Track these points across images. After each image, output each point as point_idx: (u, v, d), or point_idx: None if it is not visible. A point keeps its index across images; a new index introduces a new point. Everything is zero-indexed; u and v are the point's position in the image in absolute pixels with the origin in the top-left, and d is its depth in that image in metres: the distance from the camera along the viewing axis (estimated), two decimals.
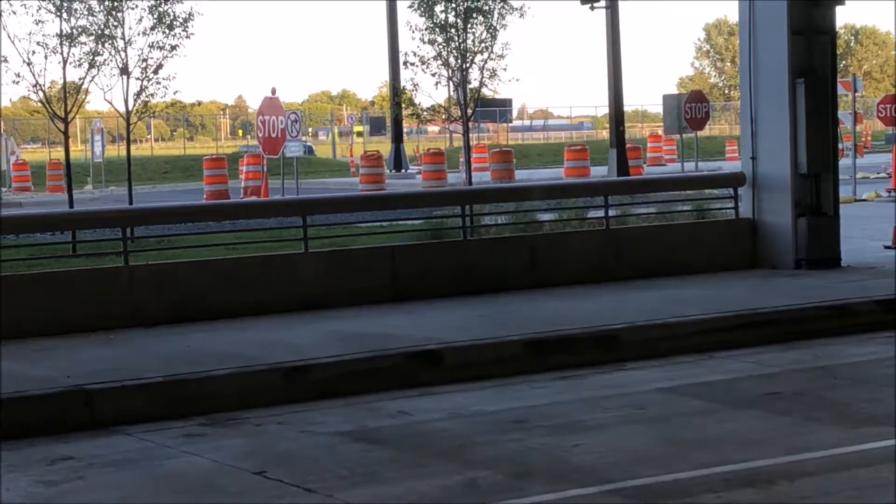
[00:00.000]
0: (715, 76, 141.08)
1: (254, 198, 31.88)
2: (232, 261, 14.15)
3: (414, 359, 11.12)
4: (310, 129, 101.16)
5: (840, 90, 26.56)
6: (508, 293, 14.49)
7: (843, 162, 22.31)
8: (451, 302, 13.98)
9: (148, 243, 15.94)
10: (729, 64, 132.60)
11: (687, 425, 9.27)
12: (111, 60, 19.19)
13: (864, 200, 27.62)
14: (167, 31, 19.29)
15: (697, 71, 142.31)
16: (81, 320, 12.67)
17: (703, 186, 18.59)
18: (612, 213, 16.37)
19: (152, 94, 19.59)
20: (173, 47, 19.38)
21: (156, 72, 19.37)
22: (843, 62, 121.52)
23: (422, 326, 12.39)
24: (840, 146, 18.48)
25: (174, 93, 19.98)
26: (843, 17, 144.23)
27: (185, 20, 19.42)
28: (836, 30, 16.58)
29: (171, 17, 19.31)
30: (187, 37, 19.46)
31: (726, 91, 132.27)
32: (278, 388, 10.44)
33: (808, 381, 10.76)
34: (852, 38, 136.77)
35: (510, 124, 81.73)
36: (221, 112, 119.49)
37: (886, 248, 17.97)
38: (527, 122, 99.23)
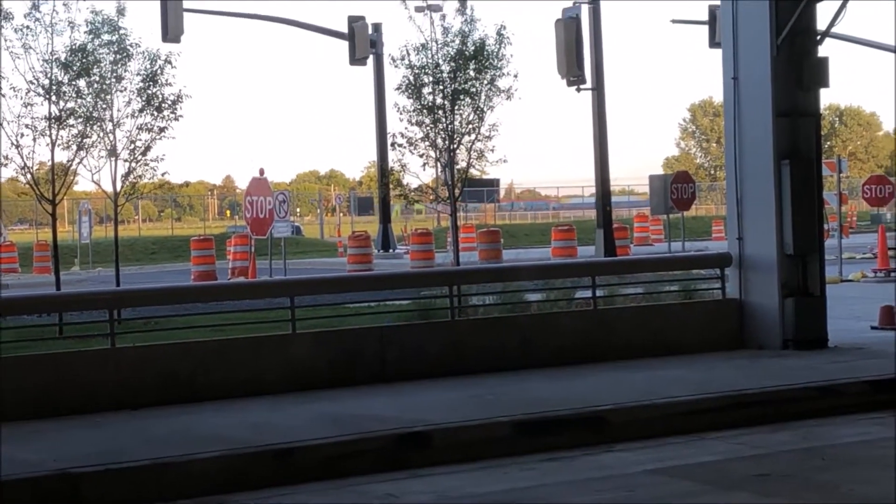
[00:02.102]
0: (701, 156, 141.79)
1: (241, 279, 31.86)
2: (219, 342, 14.12)
3: (402, 441, 11.08)
4: (298, 210, 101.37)
5: (825, 171, 26.75)
6: (497, 373, 14.47)
7: (829, 242, 22.39)
8: (440, 382, 13.96)
9: (135, 325, 15.90)
10: (714, 144, 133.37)
11: None
12: (100, 142, 19.28)
13: (851, 281, 27.69)
14: (155, 113, 19.41)
15: (683, 151, 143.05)
16: (68, 403, 12.62)
17: (690, 267, 18.64)
18: (599, 293, 16.39)
19: (140, 176, 19.66)
20: (162, 129, 19.49)
21: (144, 153, 19.46)
22: (828, 143, 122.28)
23: (410, 408, 12.36)
24: (826, 227, 18.58)
25: (162, 174, 20.06)
26: (828, 97, 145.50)
27: (174, 102, 19.54)
28: (821, 111, 16.72)
29: (160, 100, 19.43)
30: (176, 119, 19.58)
31: (712, 171, 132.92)
32: (266, 471, 10.39)
33: (796, 463, 10.74)
34: (837, 118, 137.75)
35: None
36: (209, 192, 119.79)
37: (873, 328, 18.02)
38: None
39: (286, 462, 10.52)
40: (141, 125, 19.42)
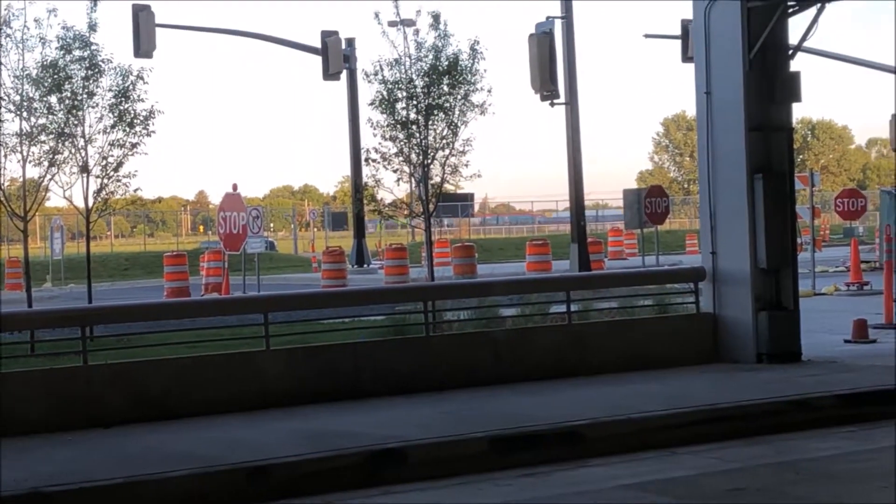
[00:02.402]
0: (674, 170, 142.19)
1: (215, 295, 31.76)
2: (192, 359, 14.07)
3: (377, 457, 11.05)
4: (272, 225, 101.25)
5: (798, 185, 26.84)
6: (472, 389, 14.45)
7: (802, 256, 22.48)
8: (414, 398, 13.93)
9: (107, 342, 15.81)
10: (688, 158, 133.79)
11: None
12: (71, 159, 19.20)
13: (824, 294, 27.79)
14: (128, 129, 19.34)
15: (657, 165, 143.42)
16: (39, 421, 12.53)
17: (664, 281, 18.65)
18: (574, 307, 16.40)
19: (112, 192, 19.57)
20: (134, 145, 19.43)
21: (116, 169, 19.38)
22: (801, 156, 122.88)
23: (385, 424, 12.32)
24: (799, 240, 18.62)
25: (135, 190, 19.95)
26: (800, 111, 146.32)
27: (146, 118, 19.47)
28: (793, 125, 16.78)
29: (132, 116, 19.36)
30: (148, 134, 19.52)
31: (685, 185, 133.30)
32: (240, 489, 10.33)
33: (770, 477, 10.75)
34: (809, 132, 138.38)
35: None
36: (182, 208, 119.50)
37: (846, 342, 18.08)
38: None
39: (261, 479, 10.47)
40: (113, 141, 19.36)
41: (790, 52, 16.31)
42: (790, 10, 16.17)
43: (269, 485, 10.45)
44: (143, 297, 33.30)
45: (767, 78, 16.07)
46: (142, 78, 19.59)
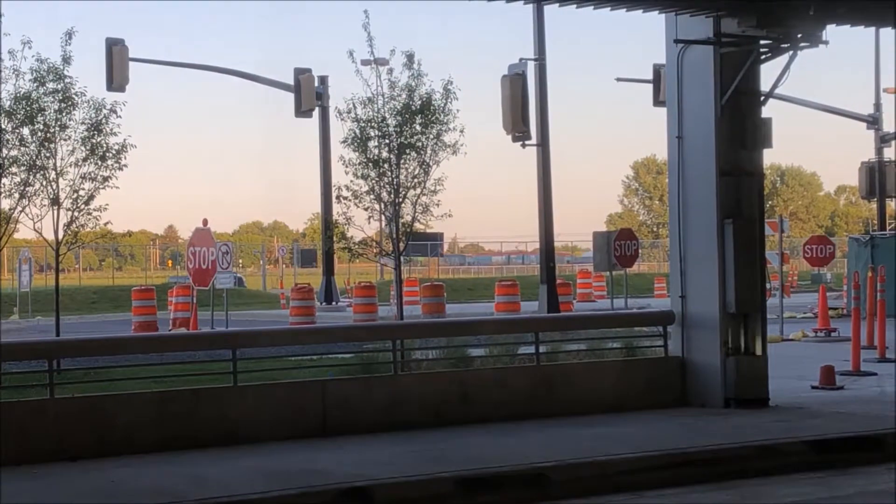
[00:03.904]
0: (643, 214, 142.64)
1: (183, 330, 31.62)
2: (159, 394, 14.02)
3: (344, 496, 11.01)
4: (240, 261, 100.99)
5: (767, 230, 26.98)
6: (439, 429, 14.43)
7: (771, 301, 22.54)
8: (382, 437, 13.90)
9: (74, 375, 15.72)
10: (657, 202, 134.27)
11: None
12: (42, 191, 19.12)
13: (792, 340, 27.86)
14: (99, 162, 19.28)
15: (626, 208, 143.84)
16: (4, 453, 12.43)
17: (633, 324, 18.69)
18: (542, 349, 16.40)
19: (83, 225, 19.49)
20: (105, 178, 19.35)
21: (87, 203, 19.29)
22: (770, 202, 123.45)
23: (352, 462, 12.29)
24: (767, 286, 18.69)
25: (105, 223, 19.87)
26: (770, 157, 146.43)
27: (118, 152, 19.41)
28: (764, 171, 16.86)
29: (104, 149, 19.30)
30: (120, 168, 19.44)
31: (655, 228, 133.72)
32: None
33: None
34: (778, 178, 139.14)
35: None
36: (151, 242, 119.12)
37: (814, 388, 18.13)
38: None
39: None
40: (84, 174, 19.27)
41: (762, 97, 16.42)
42: (763, 57, 16.28)
43: None
44: (110, 331, 33.15)
45: (739, 123, 16.16)
46: (115, 111, 19.53)
